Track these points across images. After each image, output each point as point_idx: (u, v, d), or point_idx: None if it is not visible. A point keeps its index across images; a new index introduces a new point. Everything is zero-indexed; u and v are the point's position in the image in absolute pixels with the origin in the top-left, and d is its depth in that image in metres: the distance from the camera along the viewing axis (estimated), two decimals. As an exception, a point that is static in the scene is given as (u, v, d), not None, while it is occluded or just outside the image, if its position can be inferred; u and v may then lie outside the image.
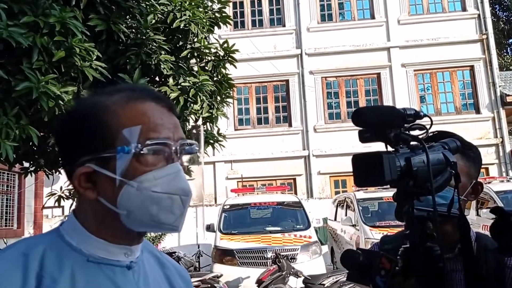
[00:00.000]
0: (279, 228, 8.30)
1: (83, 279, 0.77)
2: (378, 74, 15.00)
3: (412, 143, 0.98)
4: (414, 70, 14.88)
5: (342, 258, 0.97)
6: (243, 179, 14.09)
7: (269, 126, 15.18)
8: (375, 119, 0.95)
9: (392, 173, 0.94)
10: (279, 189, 10.62)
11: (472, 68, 14.75)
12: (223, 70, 5.18)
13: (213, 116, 4.95)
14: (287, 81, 15.30)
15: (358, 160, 0.99)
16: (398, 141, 0.97)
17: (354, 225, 8.87)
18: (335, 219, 10.69)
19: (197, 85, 4.31)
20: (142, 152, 0.78)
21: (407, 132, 0.98)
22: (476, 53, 14.69)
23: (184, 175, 0.82)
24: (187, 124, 5.16)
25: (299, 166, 14.77)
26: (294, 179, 14.79)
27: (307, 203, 11.69)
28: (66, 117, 0.86)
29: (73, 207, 0.88)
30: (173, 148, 0.81)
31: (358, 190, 9.95)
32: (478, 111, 14.54)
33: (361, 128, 0.99)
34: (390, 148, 1.00)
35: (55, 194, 5.17)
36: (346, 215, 9.63)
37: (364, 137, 0.99)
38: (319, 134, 14.65)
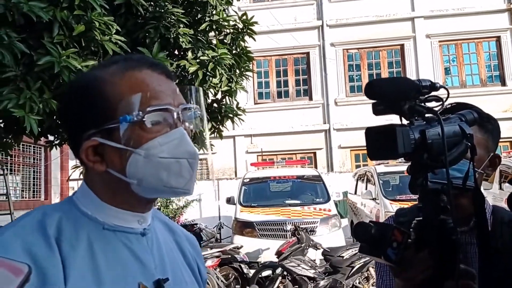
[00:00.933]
0: (298, 201, 8.36)
1: (100, 246, 0.79)
2: (402, 46, 14.64)
3: (427, 115, 0.96)
4: (439, 41, 14.46)
5: (354, 230, 0.97)
6: (263, 153, 14.14)
7: (289, 100, 15.09)
8: (389, 91, 0.93)
9: (405, 146, 0.93)
10: (298, 163, 10.63)
11: (498, 39, 14.25)
12: (242, 43, 5.13)
13: (232, 89, 4.94)
14: (308, 53, 15.09)
15: (372, 132, 0.98)
16: (413, 114, 0.96)
17: (374, 199, 8.85)
18: (355, 193, 10.68)
19: (215, 58, 4.30)
20: (144, 119, 0.78)
21: (422, 104, 0.96)
22: (503, 24, 14.15)
23: (189, 139, 0.83)
24: (207, 98, 5.18)
25: (319, 140, 14.71)
26: (315, 153, 14.77)
27: (327, 177, 11.68)
28: (66, 94, 0.87)
29: (83, 176, 0.89)
30: (175, 113, 0.81)
31: (379, 164, 9.89)
32: (504, 83, 14.11)
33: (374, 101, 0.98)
34: (405, 121, 0.99)
35: (79, 166, 5.30)
36: (366, 188, 9.61)
37: (377, 110, 0.98)
38: (340, 107, 14.50)
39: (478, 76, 14.45)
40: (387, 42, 14.66)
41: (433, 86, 0.96)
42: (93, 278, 0.75)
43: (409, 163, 1.02)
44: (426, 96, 0.98)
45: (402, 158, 1.01)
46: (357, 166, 13.53)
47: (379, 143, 0.97)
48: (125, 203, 0.84)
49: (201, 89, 0.89)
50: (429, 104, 1.00)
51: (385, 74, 14.48)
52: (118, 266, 0.79)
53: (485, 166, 1.24)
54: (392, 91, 0.93)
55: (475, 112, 1.05)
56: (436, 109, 0.98)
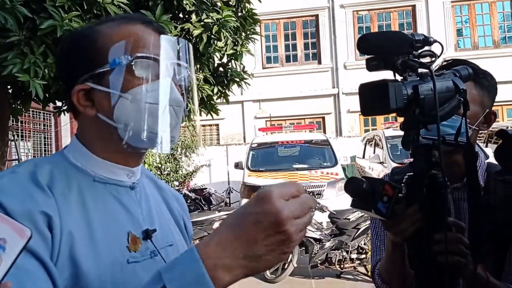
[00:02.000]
0: (306, 166, 8.41)
1: (90, 197, 0.82)
2: (413, 6, 14.25)
3: (420, 70, 0.96)
4: (451, 2, 14.04)
5: (346, 185, 0.99)
6: (272, 119, 14.12)
7: (298, 64, 14.92)
8: (382, 45, 0.93)
9: (397, 101, 0.93)
10: (307, 127, 10.62)
11: (513, -2, 13.81)
12: (247, 5, 5.03)
13: (238, 53, 4.89)
14: (317, 16, 14.78)
15: (365, 89, 0.98)
16: (406, 69, 0.95)
17: (381, 163, 8.87)
18: (363, 157, 10.70)
19: (220, 21, 4.23)
20: (132, 64, 0.81)
21: (415, 59, 0.96)
22: (520, -18, 13.69)
23: (176, 88, 0.85)
24: (212, 62, 5.14)
25: (328, 104, 14.61)
26: (323, 118, 14.71)
27: (336, 141, 11.69)
28: (63, 42, 0.91)
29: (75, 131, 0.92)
30: (163, 65, 0.83)
31: (387, 128, 9.84)
32: (517, 44, 13.77)
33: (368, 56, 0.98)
34: (399, 77, 0.99)
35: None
36: (374, 153, 9.61)
37: (371, 65, 0.97)
38: (349, 71, 14.31)
39: (491, 38, 14.09)
40: (398, 3, 14.28)
41: (427, 41, 0.95)
42: (85, 225, 0.78)
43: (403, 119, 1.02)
44: (420, 51, 0.97)
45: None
46: (366, 131, 13.48)
47: (371, 99, 0.97)
48: (115, 155, 0.86)
49: (190, 45, 0.90)
50: (423, 60, 0.99)
51: (395, 36, 14.16)
52: (108, 216, 0.82)
53: (479, 122, 1.23)
54: (384, 45, 0.93)
55: (470, 68, 1.04)
56: (431, 64, 0.98)
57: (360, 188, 0.98)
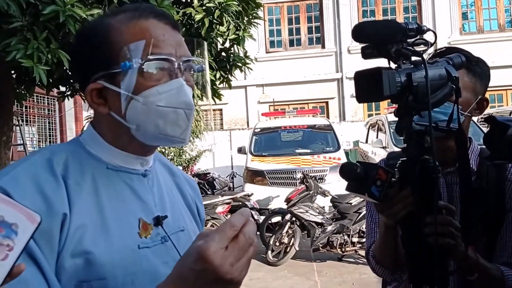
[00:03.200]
0: (308, 150, 8.43)
1: (103, 184, 0.84)
2: (418, -10, 14.09)
3: (414, 58, 0.98)
4: (457, -15, 13.87)
5: (341, 170, 1.02)
6: (275, 103, 14.10)
7: (301, 48, 14.83)
8: (376, 34, 0.95)
9: (391, 88, 0.96)
10: (310, 112, 10.61)
11: (521, -20, 13.61)
12: (249, -11, 5.01)
13: (240, 38, 4.88)
14: (321, -1, 14.64)
15: (360, 76, 1.01)
16: (400, 57, 0.98)
17: (384, 147, 8.88)
18: (366, 142, 10.70)
19: (222, 5, 4.22)
20: (143, 67, 0.81)
21: (409, 47, 0.98)
22: (528, -37, 13.47)
23: (188, 90, 0.86)
24: (214, 47, 5.13)
25: (331, 89, 14.57)
26: (327, 103, 14.68)
27: (339, 126, 11.68)
28: (75, 39, 0.92)
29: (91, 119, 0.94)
30: (176, 64, 0.84)
31: (390, 113, 9.83)
32: (524, 28, 13.62)
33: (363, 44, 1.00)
34: (393, 65, 1.01)
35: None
36: (377, 137, 9.62)
37: (366, 54, 1.00)
38: (353, 55, 14.21)
39: (497, 21, 13.91)
40: (403, -14, 14.12)
41: (420, 29, 0.97)
42: (97, 212, 0.81)
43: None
44: (414, 39, 0.99)
45: None
46: (369, 116, 13.46)
47: (366, 86, 1.00)
48: (128, 147, 0.88)
49: (205, 43, 0.92)
50: (417, 48, 1.02)
51: (400, 19, 13.85)
52: (120, 202, 0.85)
53: (472, 109, 1.26)
54: (378, 33, 0.95)
55: (463, 55, 1.06)
56: (424, 52, 1.00)
57: (354, 173, 1.01)
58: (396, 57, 0.98)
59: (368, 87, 0.99)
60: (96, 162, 0.86)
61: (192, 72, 0.90)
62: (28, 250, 0.71)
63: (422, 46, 1.01)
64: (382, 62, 0.99)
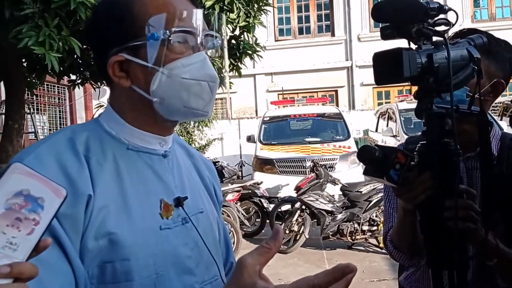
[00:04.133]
0: (318, 139, 8.40)
1: (125, 165, 0.84)
2: (430, -24, 13.85)
3: (435, 39, 0.96)
4: (470, -30, 13.62)
5: (359, 153, 1.00)
6: (284, 92, 14.05)
7: (310, 36, 14.71)
8: (396, 14, 0.93)
9: (411, 70, 0.94)
10: (319, 100, 10.55)
11: (536, -35, 13.32)
12: (260, -25, 4.96)
13: (250, 25, 4.85)
14: (331, -14, 14.47)
15: (379, 57, 0.99)
16: (420, 37, 0.95)
17: (395, 136, 8.82)
18: (376, 131, 10.64)
19: (232, -9, 4.20)
20: (170, 38, 0.81)
21: (430, 27, 0.96)
22: None
23: (210, 63, 0.85)
24: (225, 33, 5.10)
25: (341, 77, 14.47)
26: (336, 91, 14.59)
27: (349, 115, 11.62)
28: (96, 9, 0.90)
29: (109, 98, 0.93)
30: (198, 37, 0.83)
31: (401, 101, 9.74)
32: (538, 15, 13.36)
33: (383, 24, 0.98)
34: (414, 46, 0.99)
35: (103, 106, 5.42)
36: (387, 126, 9.55)
37: (385, 34, 0.97)
38: (363, 43, 14.08)
39: (509, 8, 13.67)
40: (414, -28, 13.89)
41: (441, 9, 0.95)
42: (119, 193, 0.80)
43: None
44: (435, 19, 0.97)
45: None
46: (379, 104, 13.35)
47: (385, 68, 0.98)
48: (148, 125, 0.87)
49: (224, 16, 0.91)
50: (438, 28, 0.99)
51: (411, 7, 13.83)
52: (142, 183, 0.84)
53: (485, 91, 1.23)
54: (399, 13, 0.93)
55: (484, 37, 1.04)
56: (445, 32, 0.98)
57: (373, 156, 1.00)
58: (417, 38, 0.95)
59: (388, 68, 0.97)
60: (116, 142, 0.85)
61: (212, 47, 0.89)
62: (53, 232, 0.70)
63: (443, 26, 0.99)
64: (394, 44, 0.96)
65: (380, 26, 0.98)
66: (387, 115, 9.94)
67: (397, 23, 0.94)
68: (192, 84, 0.83)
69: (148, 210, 0.83)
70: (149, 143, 0.88)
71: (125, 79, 0.84)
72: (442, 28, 0.99)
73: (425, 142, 1.02)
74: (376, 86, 13.92)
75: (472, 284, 1.23)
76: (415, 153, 1.02)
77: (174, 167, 0.92)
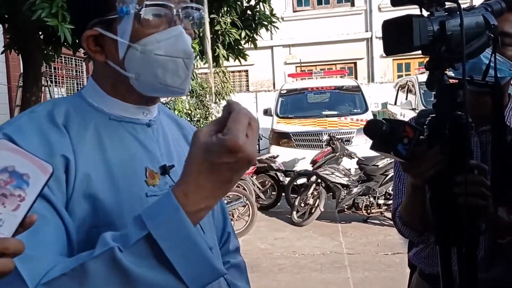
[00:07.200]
0: (335, 112, 8.29)
1: (107, 134, 0.84)
2: None
3: (448, 4, 0.90)
4: None
5: (365, 127, 0.97)
6: (302, 64, 13.85)
7: (329, 7, 14.36)
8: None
9: (422, 38, 0.89)
10: (337, 73, 10.37)
11: None
12: None
13: (266, -5, 4.75)
14: (351, -46, 14.02)
15: (389, 25, 0.94)
16: (432, 3, 0.90)
17: (413, 109, 8.65)
18: (395, 104, 10.45)
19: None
20: (141, 12, 0.78)
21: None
22: None
23: (187, 38, 0.83)
24: (240, 4, 5.01)
25: (360, 49, 14.16)
26: (355, 63, 14.32)
27: (368, 87, 11.41)
28: None
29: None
30: (174, 10, 0.80)
31: (422, 73, 9.51)
32: None
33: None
34: (425, 13, 0.94)
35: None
36: (406, 99, 9.36)
37: (395, 0, 0.93)
38: (384, 13, 13.68)
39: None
40: None
41: (456, -28, 0.89)
42: (102, 161, 0.80)
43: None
44: (449, -17, 0.91)
45: None
46: (399, 76, 13.07)
47: (395, 36, 0.93)
48: (128, 97, 0.87)
49: None
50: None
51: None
52: (125, 152, 0.84)
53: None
54: (410, -23, 0.87)
55: (503, 2, 0.97)
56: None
57: (380, 130, 0.96)
58: (429, 4, 0.90)
59: (398, 36, 0.92)
60: (98, 113, 0.85)
61: (191, 20, 0.86)
62: None
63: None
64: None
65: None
66: (406, 87, 9.73)
67: (408, -12, 0.89)
68: (167, 61, 0.80)
69: (133, 177, 0.83)
70: (132, 113, 0.88)
71: (99, 53, 0.83)
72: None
73: (435, 115, 0.98)
74: (395, 57, 13.62)
75: (484, 261, 1.20)
76: (424, 126, 0.98)
77: (160, 136, 0.92)
